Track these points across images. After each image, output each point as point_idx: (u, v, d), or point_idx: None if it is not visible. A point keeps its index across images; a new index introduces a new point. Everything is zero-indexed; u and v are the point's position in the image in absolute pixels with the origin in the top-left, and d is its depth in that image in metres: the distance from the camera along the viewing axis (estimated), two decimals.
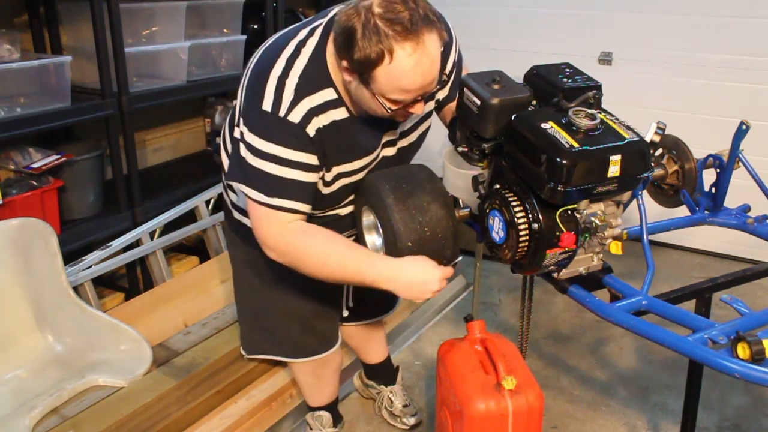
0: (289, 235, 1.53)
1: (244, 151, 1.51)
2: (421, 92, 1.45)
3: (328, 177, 1.60)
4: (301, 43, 1.53)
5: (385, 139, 1.68)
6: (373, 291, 1.62)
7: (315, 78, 1.50)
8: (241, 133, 1.51)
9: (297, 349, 2.02)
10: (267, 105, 1.47)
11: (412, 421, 2.34)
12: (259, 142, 1.48)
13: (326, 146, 1.53)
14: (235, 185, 1.57)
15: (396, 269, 1.51)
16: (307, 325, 1.97)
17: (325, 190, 1.62)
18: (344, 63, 1.43)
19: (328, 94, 1.51)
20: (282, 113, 1.47)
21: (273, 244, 1.55)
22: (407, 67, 1.37)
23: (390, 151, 1.72)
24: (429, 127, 1.81)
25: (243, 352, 2.10)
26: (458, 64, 1.75)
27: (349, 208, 1.78)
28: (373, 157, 1.67)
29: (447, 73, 1.67)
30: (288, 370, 2.35)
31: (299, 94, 1.48)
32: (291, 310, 1.94)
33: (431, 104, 1.74)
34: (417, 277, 1.51)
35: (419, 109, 1.49)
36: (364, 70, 1.40)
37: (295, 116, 1.47)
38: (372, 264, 1.52)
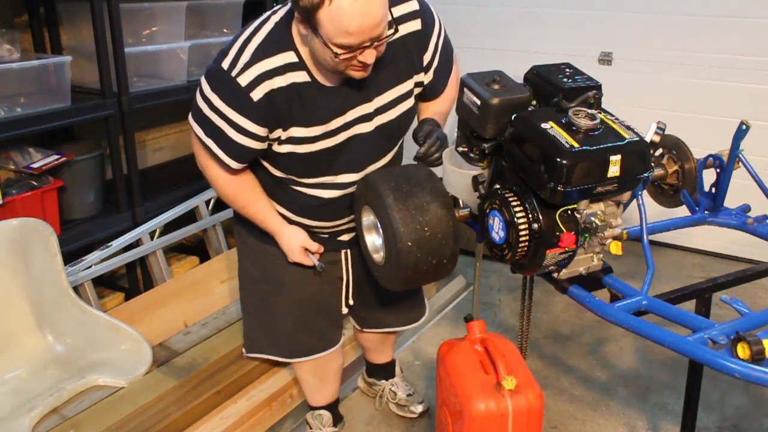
0: (224, 180, 1.73)
1: (198, 91, 1.65)
2: (367, 36, 1.45)
3: (284, 136, 1.65)
4: (273, 13, 1.64)
5: (355, 113, 1.67)
6: (375, 292, 1.81)
7: (277, 41, 1.58)
8: (202, 77, 1.65)
9: (294, 347, 2.03)
10: (225, 63, 1.58)
11: (419, 408, 2.34)
12: (207, 90, 1.61)
13: (279, 108, 1.60)
14: (190, 120, 1.71)
15: (278, 230, 1.83)
16: (304, 323, 1.98)
17: (281, 149, 1.67)
18: (296, 14, 1.50)
19: (288, 57, 1.58)
20: (234, 73, 1.56)
21: (211, 177, 1.75)
22: (345, 5, 1.40)
23: (366, 127, 1.70)
24: (411, 109, 1.77)
25: (243, 350, 2.11)
26: (443, 49, 1.76)
27: (329, 192, 1.79)
28: (339, 123, 1.66)
29: (430, 52, 1.72)
30: (288, 370, 2.35)
31: (256, 56, 1.56)
32: (289, 305, 1.95)
33: (410, 83, 1.73)
34: (283, 243, 1.85)
35: (369, 58, 1.49)
36: (309, 15, 1.44)
37: (244, 79, 1.56)
38: (269, 221, 1.81)
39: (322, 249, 1.89)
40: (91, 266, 2.48)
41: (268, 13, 1.66)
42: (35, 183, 2.43)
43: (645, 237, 1.67)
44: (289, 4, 1.56)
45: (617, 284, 1.61)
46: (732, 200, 2.01)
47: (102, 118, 2.62)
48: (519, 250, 1.49)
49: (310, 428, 2.24)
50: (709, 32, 3.32)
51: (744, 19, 3.23)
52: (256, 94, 1.57)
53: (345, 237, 1.93)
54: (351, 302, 2.03)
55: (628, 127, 1.47)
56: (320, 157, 1.69)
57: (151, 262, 2.77)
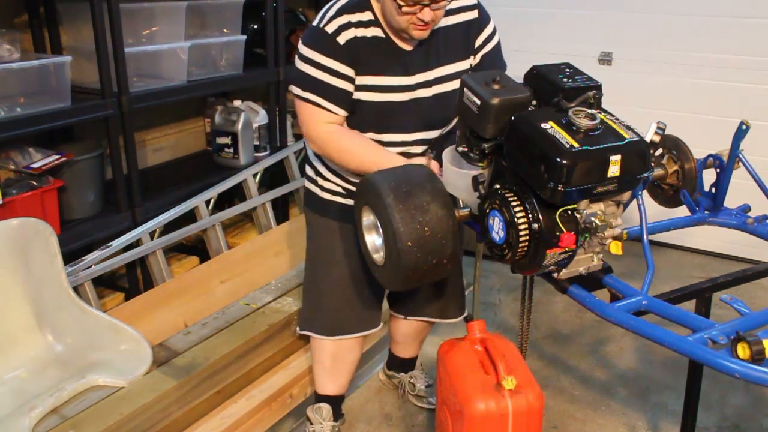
0: (327, 133, 1.88)
1: (296, 59, 1.90)
2: None
3: (359, 81, 1.87)
4: None
5: (418, 78, 1.88)
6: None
7: (356, 2, 1.86)
8: (299, 42, 1.90)
9: (334, 324, 2.12)
10: (316, 21, 1.87)
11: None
12: (304, 49, 1.86)
13: (360, 54, 1.84)
14: (291, 88, 1.94)
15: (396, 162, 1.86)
16: (348, 300, 2.09)
17: (356, 96, 1.88)
18: None
19: (366, 16, 1.86)
20: (322, 24, 1.84)
21: (314, 136, 1.90)
22: None
23: (426, 92, 1.90)
24: None
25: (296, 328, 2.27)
26: (496, 45, 1.99)
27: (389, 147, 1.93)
28: (403, 82, 1.87)
29: (482, 38, 1.96)
30: (288, 369, 2.35)
31: (340, 12, 1.84)
32: (336, 281, 2.09)
33: (466, 63, 1.94)
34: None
35: (427, 16, 1.73)
36: None
37: (331, 27, 1.83)
38: (383, 160, 1.84)
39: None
40: (91, 266, 2.48)
41: None
42: (35, 183, 2.43)
43: (645, 237, 1.67)
44: None
45: (617, 284, 1.61)
46: (732, 200, 2.01)
47: (102, 118, 2.61)
48: (519, 250, 1.49)
49: (311, 423, 2.24)
50: (709, 32, 3.32)
51: (744, 19, 3.24)
52: (342, 38, 1.82)
53: None
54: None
55: (628, 127, 1.47)
56: (390, 109, 1.88)
57: (151, 262, 2.77)
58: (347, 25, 1.83)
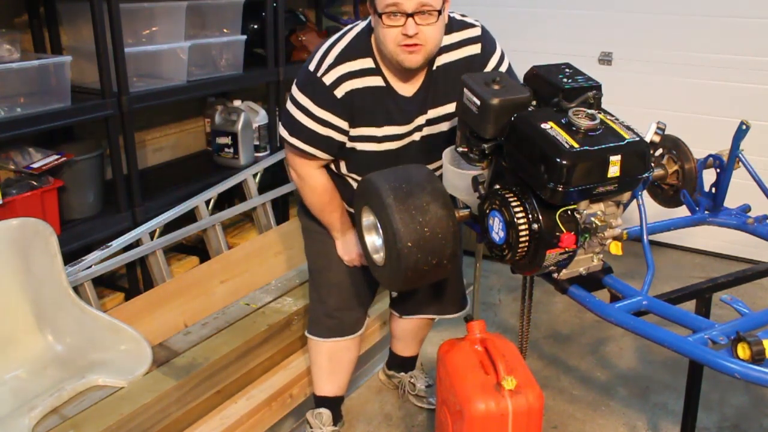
0: (311, 178, 1.92)
1: (288, 100, 1.87)
2: (409, 1, 1.64)
3: (353, 133, 1.83)
4: (356, 25, 1.86)
5: (416, 122, 1.85)
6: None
7: (357, 48, 1.79)
8: (293, 85, 1.86)
9: (332, 325, 2.14)
10: (312, 66, 1.79)
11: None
12: (298, 94, 1.81)
13: (355, 107, 1.79)
14: (279, 130, 1.92)
15: (339, 235, 2.02)
16: (347, 301, 2.12)
17: (350, 145, 1.86)
18: (367, 5, 1.75)
19: (366, 63, 1.79)
20: (320, 74, 1.77)
21: (299, 173, 1.93)
22: None
23: (416, 136, 1.88)
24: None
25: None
26: (501, 68, 1.89)
27: None
28: (401, 131, 1.84)
29: (484, 65, 1.89)
30: (289, 369, 2.35)
31: (339, 59, 1.77)
32: (334, 282, 2.10)
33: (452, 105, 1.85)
34: (342, 247, 2.04)
35: (410, 29, 1.66)
36: None
37: (329, 78, 1.77)
38: (333, 229, 2.01)
39: None
40: (91, 266, 2.48)
41: (351, 24, 1.88)
42: (35, 183, 2.43)
43: (645, 237, 1.67)
44: (370, 18, 1.78)
45: (617, 284, 1.61)
46: (732, 200, 2.01)
47: (102, 118, 2.61)
48: (519, 250, 1.49)
49: (311, 427, 2.24)
50: (709, 32, 3.32)
51: (744, 19, 3.24)
52: (340, 91, 1.77)
53: None
54: (394, 294, 2.16)
55: (628, 128, 1.47)
56: (382, 157, 1.86)
57: (151, 262, 2.77)
58: (346, 76, 1.76)
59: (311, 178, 1.92)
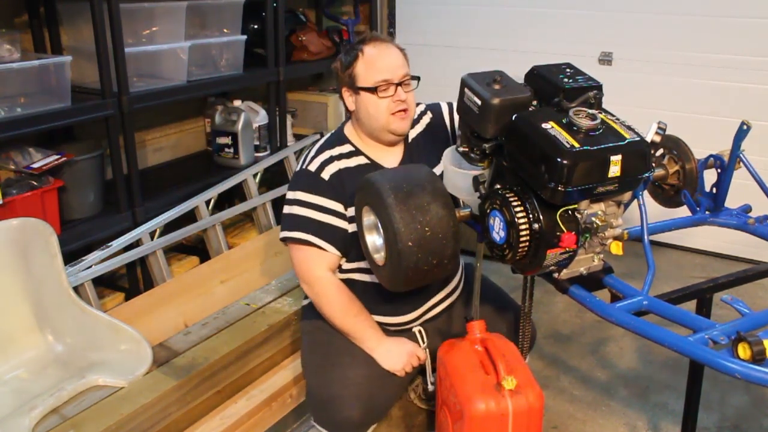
0: (324, 280, 1.94)
1: (285, 206, 1.96)
2: (395, 73, 1.88)
3: (350, 214, 1.92)
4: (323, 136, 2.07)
5: None
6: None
7: (335, 139, 1.99)
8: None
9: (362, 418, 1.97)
10: (298, 166, 1.98)
11: None
12: (290, 193, 1.94)
13: (345, 187, 1.90)
14: (281, 234, 1.97)
15: (375, 345, 1.96)
16: (369, 399, 1.95)
17: (351, 230, 1.91)
18: (343, 90, 1.94)
19: (346, 148, 1.97)
20: (305, 165, 1.94)
21: (310, 279, 1.96)
22: (373, 51, 1.90)
23: None
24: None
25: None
26: (452, 109, 2.07)
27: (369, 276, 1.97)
28: None
29: (443, 120, 2.09)
30: (289, 369, 2.35)
31: (320, 150, 1.96)
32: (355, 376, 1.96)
33: (437, 169, 1.94)
34: (385, 358, 1.97)
35: (401, 94, 1.88)
36: (349, 74, 1.90)
37: (313, 165, 1.93)
38: (365, 338, 1.97)
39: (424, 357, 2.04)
40: (91, 266, 2.48)
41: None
42: (35, 183, 2.43)
43: (646, 237, 1.67)
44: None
45: (618, 284, 1.61)
46: (733, 200, 2.01)
47: (102, 118, 2.61)
48: (519, 250, 1.49)
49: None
50: (709, 32, 3.32)
51: (744, 19, 3.24)
52: (326, 174, 1.91)
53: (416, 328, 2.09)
54: (433, 379, 2.03)
55: (629, 127, 1.47)
56: None
57: (151, 262, 2.77)
58: (329, 160, 1.91)
59: (323, 281, 1.94)
